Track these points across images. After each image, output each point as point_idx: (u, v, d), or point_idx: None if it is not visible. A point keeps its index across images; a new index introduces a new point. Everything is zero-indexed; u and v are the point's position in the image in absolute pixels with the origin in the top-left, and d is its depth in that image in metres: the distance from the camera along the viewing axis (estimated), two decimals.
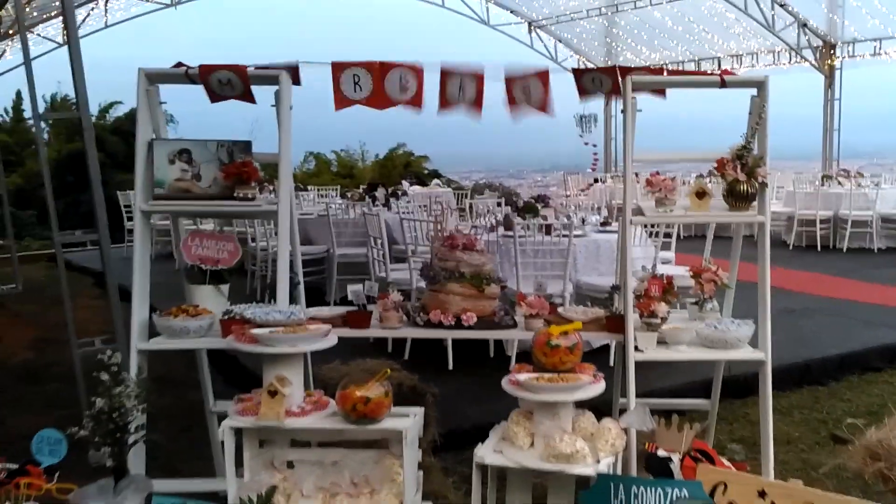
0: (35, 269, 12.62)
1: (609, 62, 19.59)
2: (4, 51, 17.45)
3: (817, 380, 6.30)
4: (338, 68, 3.73)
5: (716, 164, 3.46)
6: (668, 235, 7.42)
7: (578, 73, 3.80)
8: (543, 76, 3.67)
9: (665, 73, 4.20)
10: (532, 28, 20.72)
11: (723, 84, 3.54)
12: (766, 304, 3.54)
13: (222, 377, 5.57)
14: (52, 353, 7.07)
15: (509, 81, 3.68)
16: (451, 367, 6.20)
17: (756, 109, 3.52)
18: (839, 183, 13.21)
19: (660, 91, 3.68)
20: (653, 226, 6.96)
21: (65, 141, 19.49)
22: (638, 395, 3.54)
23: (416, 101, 3.76)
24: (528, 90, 3.66)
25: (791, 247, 12.83)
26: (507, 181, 25.26)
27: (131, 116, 20.67)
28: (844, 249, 12.36)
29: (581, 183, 17.72)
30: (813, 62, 16.58)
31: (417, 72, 3.72)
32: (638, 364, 3.53)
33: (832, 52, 16.38)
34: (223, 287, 3.71)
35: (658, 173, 3.50)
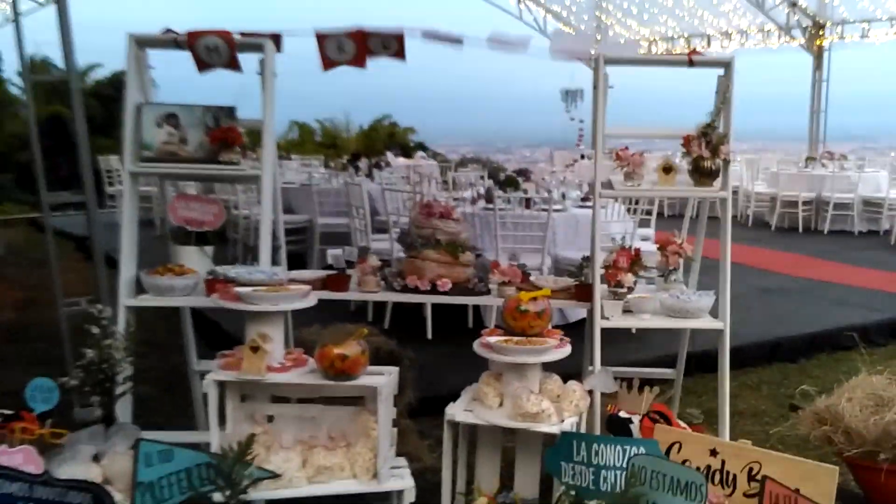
0: (14, 233, 12.67)
1: (599, 36, 19.61)
2: None
3: (788, 357, 6.51)
4: (322, 38, 3.86)
5: (682, 141, 3.61)
6: (648, 213, 7.59)
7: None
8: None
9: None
10: None
11: (691, 64, 3.68)
12: (726, 276, 3.71)
13: (204, 341, 5.69)
14: (36, 314, 7.17)
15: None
16: (429, 336, 6.35)
17: (721, 89, 3.67)
18: (823, 165, 13.38)
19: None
20: (636, 202, 7.14)
21: (43, 103, 19.25)
22: (612, 366, 3.69)
23: (399, 54, 3.89)
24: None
25: (773, 228, 13.02)
26: (495, 156, 25.16)
27: (112, 80, 20.43)
28: (825, 231, 12.55)
29: (567, 158, 17.79)
30: (802, 42, 16.67)
31: (398, 38, 3.86)
32: (614, 337, 3.69)
33: (821, 32, 16.46)
34: (207, 248, 3.83)
35: (627, 148, 3.65)
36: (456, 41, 3.78)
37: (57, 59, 16.01)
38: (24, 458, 2.77)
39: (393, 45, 3.82)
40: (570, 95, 15.26)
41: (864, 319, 7.17)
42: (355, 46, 3.77)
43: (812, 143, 16.62)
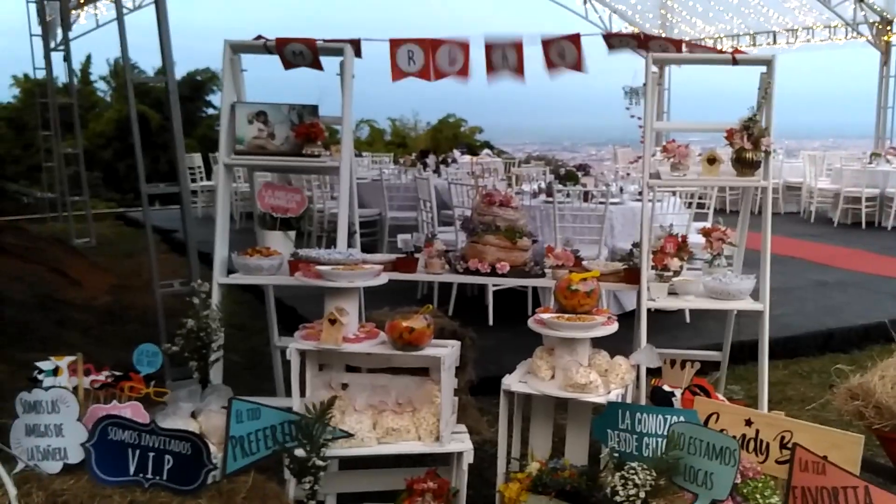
0: (103, 226, 13.35)
1: (663, 34, 19.64)
2: (79, 16, 18.18)
3: (841, 348, 6.64)
4: (395, 44, 4.22)
5: (726, 134, 3.86)
6: (707, 206, 7.78)
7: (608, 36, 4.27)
8: (575, 39, 4.13)
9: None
10: None
11: (734, 62, 3.92)
12: (766, 261, 3.96)
13: (281, 325, 6.13)
14: (129, 298, 7.70)
15: (545, 44, 4.14)
16: (490, 323, 6.66)
17: (763, 85, 3.90)
18: (887, 161, 13.24)
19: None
20: (691, 196, 7.34)
21: (126, 102, 19.94)
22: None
23: (463, 73, 4.23)
24: (562, 52, 4.11)
25: (836, 224, 12.92)
26: (561, 154, 25.25)
27: (188, 80, 21.26)
28: (889, 227, 12.44)
29: (631, 156, 17.90)
30: (869, 38, 16.47)
31: (464, 46, 4.19)
32: (667, 325, 3.91)
33: (889, 28, 16.24)
34: (290, 233, 4.23)
35: (674, 141, 3.92)
36: (518, 75, 4.11)
37: (140, 61, 16.78)
38: (132, 412, 3.11)
39: (459, 59, 4.16)
40: (633, 93, 15.36)
41: None
42: (424, 57, 4.13)
43: (879, 140, 16.40)
